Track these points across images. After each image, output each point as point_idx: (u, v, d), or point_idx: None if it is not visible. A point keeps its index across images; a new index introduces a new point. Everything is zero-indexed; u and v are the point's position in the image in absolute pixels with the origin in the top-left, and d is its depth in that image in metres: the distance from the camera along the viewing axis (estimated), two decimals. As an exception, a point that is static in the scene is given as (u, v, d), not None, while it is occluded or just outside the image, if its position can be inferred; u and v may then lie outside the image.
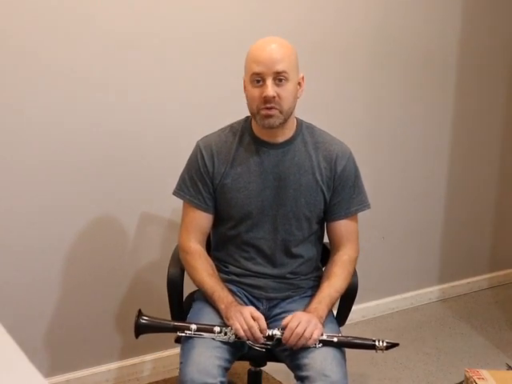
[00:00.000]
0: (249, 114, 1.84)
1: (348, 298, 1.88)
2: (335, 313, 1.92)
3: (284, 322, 1.66)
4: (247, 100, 1.75)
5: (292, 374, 1.72)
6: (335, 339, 1.66)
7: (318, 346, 1.65)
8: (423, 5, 2.94)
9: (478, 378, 1.98)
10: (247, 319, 1.64)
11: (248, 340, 1.65)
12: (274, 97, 1.67)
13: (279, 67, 1.66)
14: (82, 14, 2.12)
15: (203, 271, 1.78)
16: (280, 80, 1.68)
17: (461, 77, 3.15)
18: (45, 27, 2.06)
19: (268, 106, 1.68)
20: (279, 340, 1.66)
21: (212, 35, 2.38)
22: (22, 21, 2.02)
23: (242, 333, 1.63)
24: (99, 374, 2.39)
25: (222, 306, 1.71)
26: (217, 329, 1.65)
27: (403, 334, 2.96)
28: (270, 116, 1.70)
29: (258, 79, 1.68)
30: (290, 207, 1.81)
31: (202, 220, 1.84)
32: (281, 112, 1.70)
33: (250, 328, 1.63)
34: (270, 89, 1.66)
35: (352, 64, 2.80)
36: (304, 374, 1.62)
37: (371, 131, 2.94)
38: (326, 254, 1.95)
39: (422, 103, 3.07)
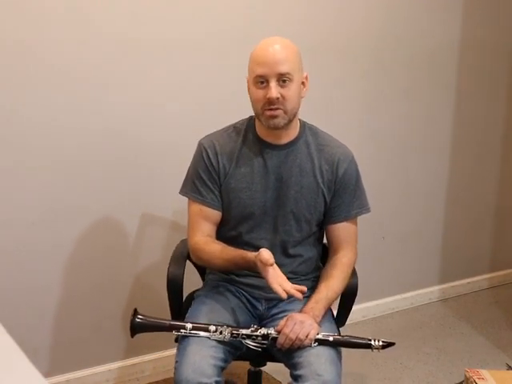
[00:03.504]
0: (252, 114, 1.84)
1: (348, 298, 1.88)
2: (335, 313, 1.92)
3: (278, 326, 1.66)
4: (251, 100, 1.75)
5: (291, 374, 1.72)
6: (331, 338, 1.66)
7: (313, 345, 1.65)
8: (424, 4, 2.93)
9: (478, 378, 1.98)
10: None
11: (244, 338, 1.65)
12: (278, 98, 1.67)
13: (282, 69, 1.66)
14: (83, 14, 2.12)
15: (213, 258, 1.76)
16: (284, 81, 1.68)
17: (462, 77, 3.15)
18: (45, 27, 2.06)
19: (272, 107, 1.68)
20: (275, 339, 1.65)
21: (213, 35, 2.38)
22: (22, 21, 2.02)
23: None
24: (99, 374, 2.39)
25: (248, 263, 1.68)
26: (212, 328, 1.64)
27: (403, 334, 2.96)
28: (275, 116, 1.70)
29: (261, 81, 1.68)
30: (290, 208, 1.81)
31: (212, 217, 1.82)
32: (285, 112, 1.70)
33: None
34: (274, 90, 1.66)
35: (353, 64, 2.79)
36: (298, 372, 1.63)
37: (372, 131, 2.93)
38: (326, 254, 1.94)
39: (423, 103, 3.06)
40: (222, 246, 1.77)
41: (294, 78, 1.69)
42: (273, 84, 1.66)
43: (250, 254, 1.68)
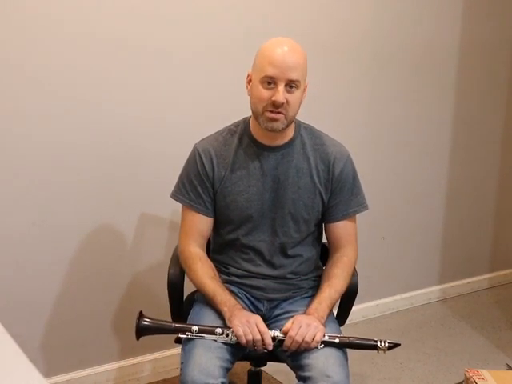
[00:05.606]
0: (246, 116, 1.84)
1: (348, 298, 1.88)
2: (335, 313, 1.92)
3: (284, 328, 1.66)
4: (252, 98, 1.73)
5: (292, 375, 1.72)
6: (337, 340, 1.66)
7: (320, 347, 1.65)
8: (423, 5, 2.93)
9: (478, 378, 1.97)
10: (254, 332, 1.62)
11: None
12: (283, 103, 1.67)
13: (294, 75, 1.66)
14: (84, 15, 2.12)
15: (204, 274, 1.77)
16: (291, 87, 1.67)
17: (461, 77, 3.15)
18: (46, 28, 2.06)
19: (275, 110, 1.68)
20: (281, 341, 1.65)
21: (216, 35, 2.38)
22: (22, 22, 2.02)
23: (243, 341, 1.62)
24: (99, 374, 2.39)
25: (224, 309, 1.70)
26: (218, 330, 1.64)
27: (403, 334, 2.96)
28: (275, 120, 1.69)
29: (269, 81, 1.67)
30: (288, 209, 1.80)
31: (202, 224, 1.83)
32: (286, 117, 1.70)
33: (255, 341, 1.62)
34: (281, 94, 1.65)
35: (352, 65, 2.79)
36: (306, 374, 1.62)
37: (372, 131, 2.94)
38: (326, 254, 1.94)
39: (423, 103, 3.06)
40: (213, 274, 1.79)
41: (300, 86, 1.70)
42: (281, 88, 1.65)
43: (234, 301, 1.72)
